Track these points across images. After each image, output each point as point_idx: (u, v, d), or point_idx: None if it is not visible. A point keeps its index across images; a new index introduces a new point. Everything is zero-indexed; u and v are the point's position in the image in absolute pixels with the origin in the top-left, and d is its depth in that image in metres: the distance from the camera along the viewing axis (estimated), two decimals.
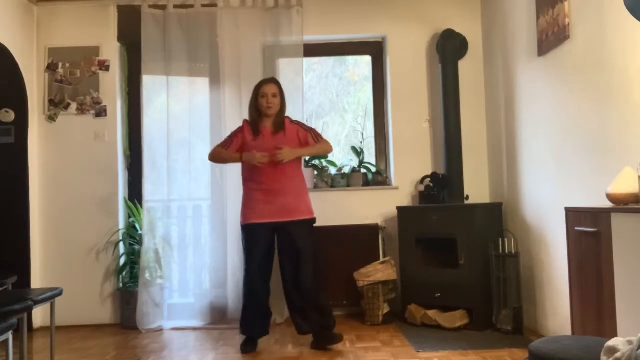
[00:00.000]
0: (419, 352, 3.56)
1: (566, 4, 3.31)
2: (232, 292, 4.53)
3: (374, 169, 5.03)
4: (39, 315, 4.61)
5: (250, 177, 3.79)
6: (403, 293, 4.45)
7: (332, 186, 4.95)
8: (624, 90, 2.78)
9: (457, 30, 4.79)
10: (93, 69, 4.82)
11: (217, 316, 4.58)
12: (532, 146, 3.95)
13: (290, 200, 3.70)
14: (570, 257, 2.64)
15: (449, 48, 4.70)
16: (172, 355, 3.81)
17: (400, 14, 4.94)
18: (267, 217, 3.68)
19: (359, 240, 4.67)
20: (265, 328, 3.82)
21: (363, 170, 5.02)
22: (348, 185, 4.95)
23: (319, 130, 5.13)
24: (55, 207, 4.74)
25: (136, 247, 4.71)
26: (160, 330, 4.48)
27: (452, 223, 4.21)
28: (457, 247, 4.16)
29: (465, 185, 4.61)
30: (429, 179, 4.71)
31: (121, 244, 4.75)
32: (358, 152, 5.06)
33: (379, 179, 5.00)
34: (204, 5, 4.72)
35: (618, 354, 1.54)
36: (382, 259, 4.57)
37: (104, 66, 4.83)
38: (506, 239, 4.07)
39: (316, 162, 5.00)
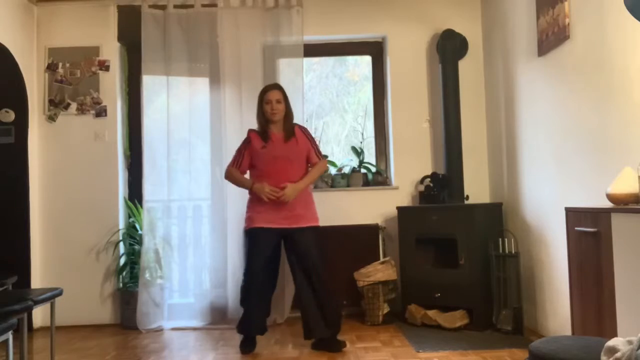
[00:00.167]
0: (419, 352, 3.56)
1: (566, 4, 3.31)
2: (232, 292, 4.53)
3: (374, 169, 5.03)
4: (39, 315, 4.61)
5: (257, 182, 3.79)
6: (403, 293, 4.45)
7: (332, 186, 4.95)
8: (624, 90, 2.78)
9: (457, 30, 4.79)
10: (93, 69, 4.82)
11: (217, 316, 4.58)
12: (532, 146, 3.95)
13: (297, 207, 3.71)
14: (570, 257, 2.64)
15: (449, 48, 4.70)
16: (172, 355, 3.81)
17: (400, 14, 4.94)
18: (274, 222, 3.69)
19: (359, 240, 4.67)
20: (262, 326, 3.81)
21: (363, 170, 5.02)
22: (348, 185, 4.95)
23: (319, 130, 5.17)
24: (55, 207, 4.74)
25: (136, 247, 4.71)
26: (160, 330, 4.48)
27: (452, 223, 4.21)
28: (457, 247, 4.16)
29: (465, 185, 4.61)
30: (429, 179, 4.71)
31: (121, 244, 4.75)
32: (358, 152, 5.06)
33: (379, 179, 5.00)
34: (204, 5, 4.72)
35: (618, 354, 1.54)
36: (382, 259, 4.57)
37: (104, 66, 4.83)
38: (506, 239, 4.07)
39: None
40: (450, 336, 3.90)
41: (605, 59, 2.96)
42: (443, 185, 4.60)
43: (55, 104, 4.80)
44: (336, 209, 4.75)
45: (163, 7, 4.72)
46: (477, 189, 4.76)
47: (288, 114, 3.83)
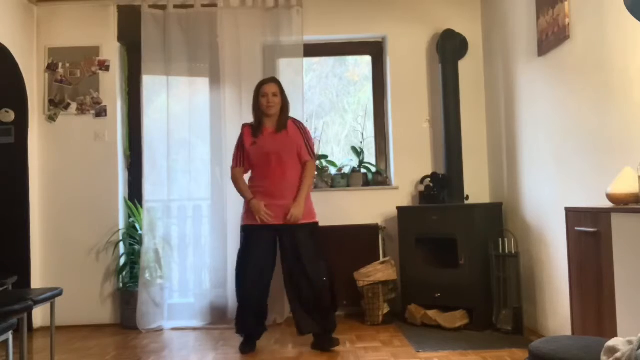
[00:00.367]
0: (419, 352, 3.56)
1: (566, 4, 3.31)
2: (232, 292, 4.49)
3: (374, 169, 5.03)
4: (39, 315, 4.61)
5: (253, 180, 3.80)
6: (403, 293, 4.45)
7: (332, 186, 4.94)
8: (624, 90, 2.78)
9: (457, 30, 4.79)
10: (93, 69, 4.82)
11: (217, 316, 4.58)
12: (532, 146, 3.95)
13: (292, 204, 3.70)
14: (570, 257, 2.64)
15: (449, 48, 4.70)
16: (172, 355, 3.81)
17: (400, 14, 4.94)
18: (269, 219, 3.69)
19: (359, 240, 4.67)
20: (261, 327, 3.82)
21: (363, 170, 5.02)
22: (348, 185, 4.95)
23: (319, 130, 5.16)
24: (55, 207, 4.74)
25: (136, 247, 4.71)
26: (160, 330, 4.48)
27: (452, 223, 4.21)
28: (457, 247, 4.16)
29: (465, 185, 4.61)
30: (429, 179, 4.71)
31: (121, 244, 4.75)
32: (358, 152, 5.06)
33: (379, 179, 5.00)
34: (204, 5, 4.72)
35: (618, 354, 1.54)
36: (382, 259, 4.57)
37: (104, 66, 4.83)
38: (506, 239, 4.07)
39: (316, 162, 4.99)
40: (450, 336, 3.90)
41: (605, 59, 2.96)
42: (443, 185, 4.60)
43: (55, 104, 4.80)
44: (336, 209, 4.75)
45: (163, 7, 4.72)
46: (477, 189, 4.76)
47: (284, 107, 3.81)
